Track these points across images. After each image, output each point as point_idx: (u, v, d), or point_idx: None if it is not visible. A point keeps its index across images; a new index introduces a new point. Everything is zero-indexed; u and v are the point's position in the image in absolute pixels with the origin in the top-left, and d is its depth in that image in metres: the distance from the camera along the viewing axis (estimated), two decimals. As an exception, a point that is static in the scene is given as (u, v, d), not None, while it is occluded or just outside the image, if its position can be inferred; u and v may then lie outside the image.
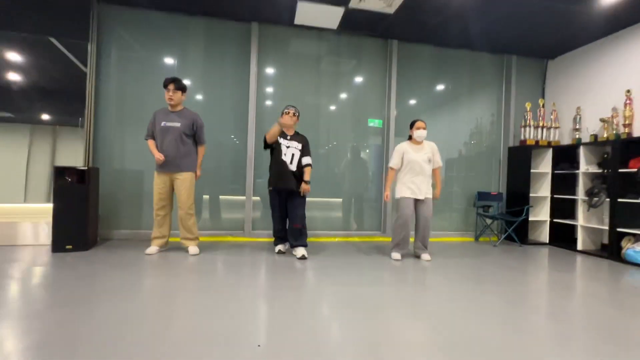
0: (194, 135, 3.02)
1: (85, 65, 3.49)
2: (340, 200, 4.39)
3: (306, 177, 3.04)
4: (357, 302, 2.03)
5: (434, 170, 3.24)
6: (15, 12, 3.26)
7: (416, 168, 3.13)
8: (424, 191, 3.16)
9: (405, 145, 3.24)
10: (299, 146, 3.08)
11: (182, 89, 2.93)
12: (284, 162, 3.01)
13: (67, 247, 2.96)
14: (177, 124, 2.90)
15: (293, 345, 1.49)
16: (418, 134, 3.17)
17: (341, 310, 1.90)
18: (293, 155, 3.04)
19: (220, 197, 4.09)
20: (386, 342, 1.54)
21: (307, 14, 3.72)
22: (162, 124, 2.89)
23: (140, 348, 1.41)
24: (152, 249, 3.03)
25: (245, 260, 2.95)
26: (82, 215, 3.01)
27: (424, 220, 3.18)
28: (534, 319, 1.88)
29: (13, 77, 3.33)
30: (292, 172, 3.03)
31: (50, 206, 3.02)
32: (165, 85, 2.87)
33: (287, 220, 3.19)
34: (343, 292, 2.21)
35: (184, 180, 2.95)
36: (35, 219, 3.27)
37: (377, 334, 1.62)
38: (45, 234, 3.23)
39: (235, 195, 4.09)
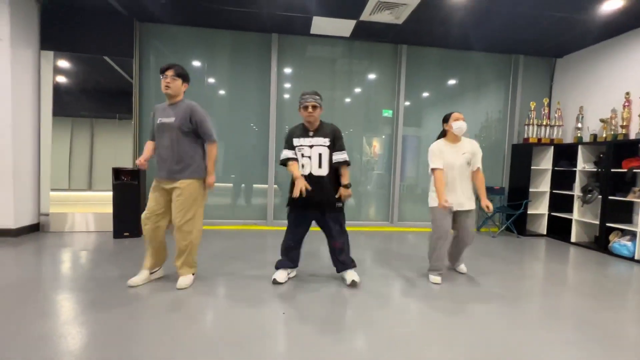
0: (195, 131, 2.33)
1: (131, 77, 4.04)
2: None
3: (344, 179, 2.44)
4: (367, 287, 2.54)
5: (475, 173, 2.66)
6: (77, 37, 3.88)
7: (454, 173, 2.58)
8: (465, 201, 2.60)
9: (441, 144, 2.62)
10: (326, 141, 2.40)
11: (183, 77, 2.34)
12: (311, 176, 2.37)
13: (125, 234, 3.62)
14: (172, 119, 2.28)
15: (310, 315, 2.02)
16: (457, 125, 2.55)
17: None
18: (321, 155, 2.39)
19: (244, 185, 4.66)
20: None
21: (321, 26, 4.08)
22: (159, 120, 2.31)
23: (198, 305, 1.99)
24: (141, 276, 2.39)
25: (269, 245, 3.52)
26: (135, 208, 3.65)
27: (465, 237, 2.66)
28: (501, 293, 2.33)
29: (75, 85, 3.97)
30: (322, 179, 2.39)
31: (93, 194, 3.84)
32: (162, 72, 2.29)
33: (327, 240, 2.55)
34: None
35: (182, 191, 2.28)
36: (86, 207, 3.95)
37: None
38: (97, 222, 3.92)
39: (258, 183, 4.65)
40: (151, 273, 2.45)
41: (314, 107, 2.37)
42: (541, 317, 2.11)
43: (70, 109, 3.95)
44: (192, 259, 2.43)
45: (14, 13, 3.41)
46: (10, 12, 3.36)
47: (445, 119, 2.67)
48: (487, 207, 2.54)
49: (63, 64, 3.89)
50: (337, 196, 2.44)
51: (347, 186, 2.43)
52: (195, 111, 2.31)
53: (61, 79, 3.90)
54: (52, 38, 3.80)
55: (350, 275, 2.50)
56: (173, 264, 2.46)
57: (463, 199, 2.60)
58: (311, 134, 2.43)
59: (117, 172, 3.65)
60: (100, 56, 3.93)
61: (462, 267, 2.90)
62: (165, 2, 3.62)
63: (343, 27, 4.08)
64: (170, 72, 2.27)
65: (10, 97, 3.43)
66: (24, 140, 3.64)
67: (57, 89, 3.87)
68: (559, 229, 4.50)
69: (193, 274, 2.47)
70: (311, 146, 2.40)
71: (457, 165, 2.58)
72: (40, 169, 3.86)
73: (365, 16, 3.76)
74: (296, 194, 2.27)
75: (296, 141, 2.43)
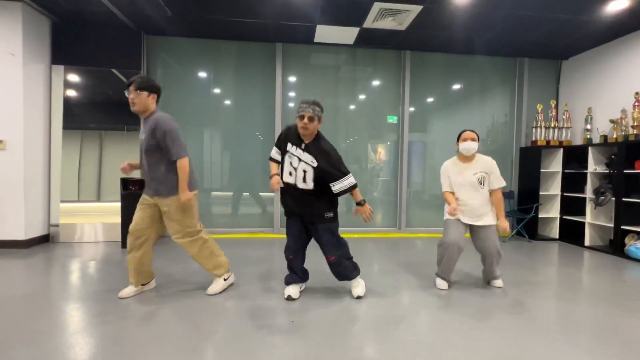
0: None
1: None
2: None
3: (357, 197, 2.25)
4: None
5: (492, 193, 2.52)
6: (87, 51, 3.98)
7: (463, 192, 2.50)
8: (482, 216, 2.47)
9: (448, 165, 2.59)
10: (314, 162, 2.16)
11: (148, 88, 2.13)
12: (296, 188, 2.22)
13: (133, 243, 3.64)
14: (142, 136, 2.17)
15: (319, 323, 1.99)
16: (463, 146, 2.49)
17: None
18: (305, 172, 2.18)
19: (249, 193, 4.67)
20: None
21: (325, 34, 4.12)
22: (140, 137, 2.24)
23: (206, 315, 1.98)
24: (129, 290, 2.33)
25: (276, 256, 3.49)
26: (143, 218, 3.66)
27: (487, 254, 2.51)
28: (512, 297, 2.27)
29: (84, 98, 4.06)
30: (306, 193, 2.21)
31: (101, 205, 3.91)
32: (126, 89, 2.14)
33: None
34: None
35: (170, 208, 2.20)
36: (94, 217, 3.99)
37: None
38: (106, 232, 3.95)
39: (263, 191, 4.66)
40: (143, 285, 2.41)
41: (310, 118, 2.12)
42: (557, 325, 2.04)
43: (79, 122, 4.02)
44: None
45: (26, 30, 3.51)
46: (23, 29, 3.46)
47: (458, 138, 2.58)
48: (504, 229, 2.44)
49: (73, 77, 3.98)
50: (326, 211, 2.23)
51: (361, 203, 2.23)
52: (159, 124, 2.08)
53: (71, 93, 3.99)
54: (62, 53, 3.90)
55: (356, 288, 2.39)
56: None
57: (480, 213, 2.47)
58: (303, 146, 2.20)
59: (125, 182, 3.68)
60: (109, 69, 4.02)
61: (498, 282, 2.65)
62: (171, 15, 3.70)
63: (346, 34, 4.12)
64: (132, 88, 2.10)
65: (22, 111, 3.51)
66: (35, 153, 3.71)
67: (67, 102, 3.96)
68: (571, 233, 4.40)
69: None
70: (300, 160, 2.19)
71: (466, 184, 2.49)
72: (50, 181, 3.91)
73: (368, 23, 3.79)
74: (272, 189, 2.22)
75: (289, 146, 2.23)
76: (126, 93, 2.13)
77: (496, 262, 2.55)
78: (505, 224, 2.44)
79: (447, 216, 2.58)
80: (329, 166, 2.15)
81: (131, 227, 2.25)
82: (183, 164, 2.14)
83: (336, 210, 2.31)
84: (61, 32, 3.89)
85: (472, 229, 2.54)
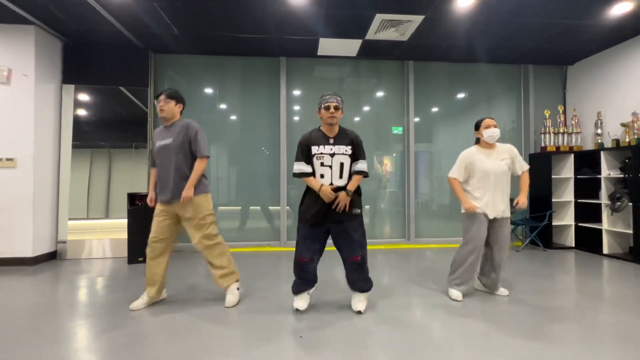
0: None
1: (146, 106, 4.19)
2: (367, 207, 4.75)
3: (350, 185, 2.19)
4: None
5: (521, 175, 2.52)
6: (96, 71, 4.08)
7: (490, 180, 2.41)
8: (501, 208, 2.42)
9: (473, 151, 2.49)
10: (348, 149, 2.20)
11: (176, 98, 2.36)
12: (331, 187, 2.17)
13: (139, 259, 3.61)
14: (169, 141, 2.29)
15: (329, 338, 1.90)
16: (488, 133, 2.44)
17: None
18: (342, 165, 2.19)
19: (254, 207, 4.63)
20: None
21: (328, 47, 4.18)
22: (157, 144, 2.32)
23: (212, 330, 1.91)
24: (143, 300, 2.37)
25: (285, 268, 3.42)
26: (149, 233, 3.64)
27: (501, 244, 2.46)
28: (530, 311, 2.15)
29: (94, 116, 4.13)
30: (343, 190, 2.18)
31: (109, 222, 3.87)
32: (156, 98, 2.34)
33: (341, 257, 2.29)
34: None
35: (189, 209, 2.29)
36: (102, 234, 3.99)
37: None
38: (114, 248, 3.93)
39: (270, 205, 4.61)
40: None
41: (336, 107, 2.18)
42: (580, 336, 1.92)
43: (89, 140, 4.08)
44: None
45: (39, 51, 3.63)
46: (35, 51, 3.58)
47: (477, 126, 2.55)
48: (520, 203, 2.44)
49: (83, 96, 4.07)
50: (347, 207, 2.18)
51: (348, 193, 2.15)
52: (191, 124, 2.33)
53: (81, 111, 4.07)
54: (73, 72, 4.01)
55: (360, 303, 2.26)
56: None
57: (501, 206, 2.43)
58: (332, 140, 2.21)
59: (132, 198, 3.69)
60: (118, 87, 4.11)
61: (503, 290, 2.58)
62: (177, 33, 3.79)
63: (349, 47, 4.16)
64: (162, 97, 2.32)
65: (33, 130, 3.58)
66: (44, 170, 3.76)
67: (77, 120, 4.03)
68: (588, 241, 4.24)
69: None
70: (332, 154, 2.18)
71: (494, 172, 2.41)
72: (58, 198, 3.94)
73: (370, 35, 3.83)
74: (340, 207, 2.12)
75: (315, 149, 2.19)
76: (156, 102, 2.34)
77: (505, 256, 2.50)
78: (525, 200, 2.45)
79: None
80: (357, 147, 2.24)
81: (150, 237, 2.35)
82: (203, 162, 2.32)
83: (361, 209, 2.29)
84: (72, 53, 4.01)
85: (489, 223, 2.47)
